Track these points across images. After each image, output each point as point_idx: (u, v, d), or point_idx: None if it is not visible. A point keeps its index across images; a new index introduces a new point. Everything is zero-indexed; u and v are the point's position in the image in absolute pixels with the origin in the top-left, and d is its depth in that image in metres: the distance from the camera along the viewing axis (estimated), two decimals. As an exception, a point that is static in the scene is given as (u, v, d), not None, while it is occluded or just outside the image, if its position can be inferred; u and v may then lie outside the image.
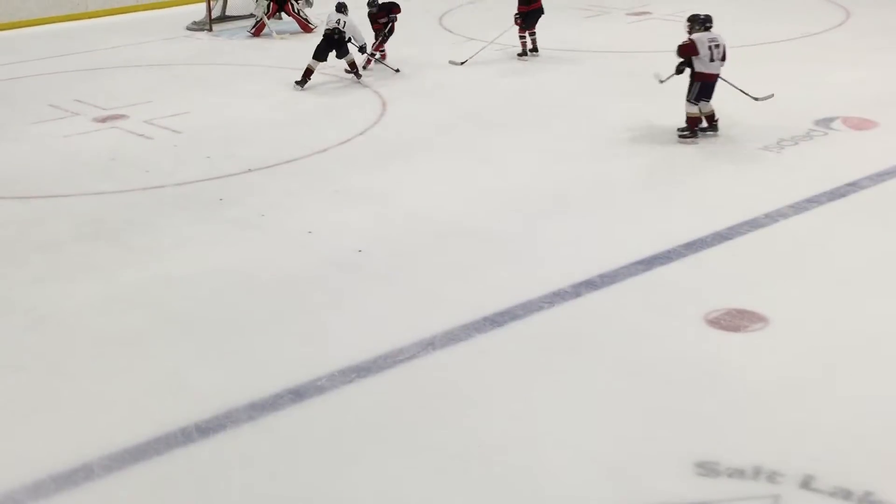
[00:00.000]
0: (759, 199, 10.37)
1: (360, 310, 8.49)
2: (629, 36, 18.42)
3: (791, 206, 10.23)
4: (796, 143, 12.13)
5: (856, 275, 8.83)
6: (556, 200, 10.72)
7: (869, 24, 18.31)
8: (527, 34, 16.73)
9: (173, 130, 13.51)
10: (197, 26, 20.20)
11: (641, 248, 9.35)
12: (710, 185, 11.05)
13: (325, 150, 12.54)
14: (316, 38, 16.20)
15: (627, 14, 20.11)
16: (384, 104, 14.42)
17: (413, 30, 19.13)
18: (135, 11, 21.90)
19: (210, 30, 19.93)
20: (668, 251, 9.32)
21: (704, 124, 12.37)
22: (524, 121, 13.53)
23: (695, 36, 12.07)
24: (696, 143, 12.22)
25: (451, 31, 19.19)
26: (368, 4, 16.38)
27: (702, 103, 12.20)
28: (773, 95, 12.95)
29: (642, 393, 7.15)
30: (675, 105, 12.48)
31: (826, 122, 12.78)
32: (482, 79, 15.79)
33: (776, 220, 9.96)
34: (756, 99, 12.80)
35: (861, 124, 12.73)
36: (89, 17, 21.45)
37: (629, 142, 12.47)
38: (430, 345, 7.82)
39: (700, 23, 12.17)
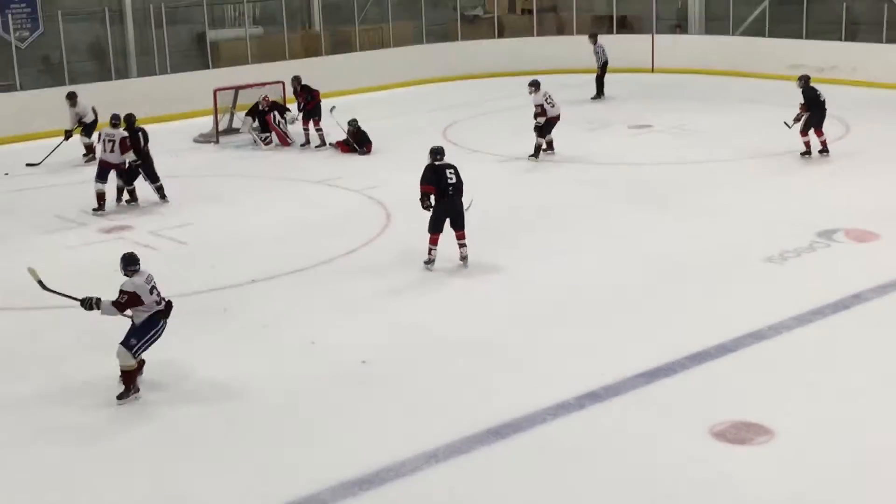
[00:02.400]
0: (763, 312, 10.36)
1: (362, 421, 8.44)
2: (632, 147, 18.61)
3: (795, 318, 10.22)
4: (799, 255, 12.16)
5: (860, 390, 8.77)
6: (559, 311, 10.72)
7: (868, 137, 18.53)
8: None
9: (179, 241, 13.59)
10: (204, 138, 20.47)
11: (646, 360, 9.31)
12: (715, 296, 11.06)
13: (329, 261, 12.59)
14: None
15: (629, 127, 20.36)
16: (388, 215, 14.52)
17: (418, 142, 19.37)
18: (143, 123, 22.15)
19: (217, 142, 20.18)
20: (673, 363, 9.29)
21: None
22: (527, 231, 13.61)
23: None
24: (703, 256, 12.25)
25: (455, 144, 19.41)
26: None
27: None
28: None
29: (651, 501, 7.05)
30: (684, 214, 12.51)
31: (829, 234, 12.83)
32: (489, 188, 15.91)
33: (780, 333, 9.94)
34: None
35: (864, 236, 12.78)
36: (97, 129, 21.70)
37: (634, 252, 12.51)
38: (434, 457, 7.75)
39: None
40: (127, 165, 15.29)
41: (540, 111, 17.39)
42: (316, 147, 19.23)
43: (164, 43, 23.50)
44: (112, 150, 15.12)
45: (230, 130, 20.78)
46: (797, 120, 16.41)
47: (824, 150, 16.90)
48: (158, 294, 9.09)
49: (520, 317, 10.58)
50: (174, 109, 22.65)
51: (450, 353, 9.72)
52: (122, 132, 15.33)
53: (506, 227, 13.83)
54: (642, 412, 8.49)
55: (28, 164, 18.26)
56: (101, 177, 15.21)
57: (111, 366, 9.63)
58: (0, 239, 14.04)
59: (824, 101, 16.66)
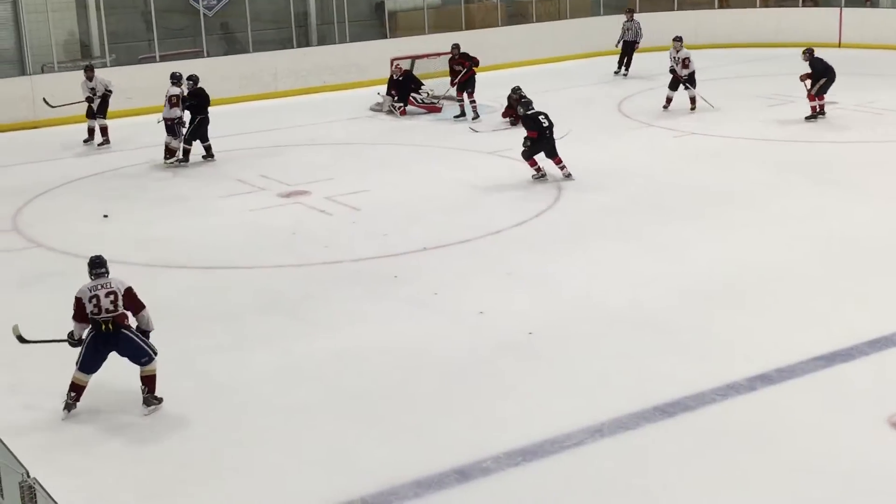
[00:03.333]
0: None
1: (528, 393, 8.44)
2: (815, 125, 18.00)
3: None
4: None
5: None
6: (731, 291, 10.48)
7: None
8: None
9: (353, 207, 13.85)
10: (379, 107, 20.75)
11: (822, 344, 9.02)
12: (897, 281, 10.64)
13: (498, 233, 12.63)
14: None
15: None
16: (559, 189, 14.45)
17: (592, 116, 19.24)
18: (320, 92, 22.68)
19: (391, 111, 20.40)
20: (851, 348, 8.97)
21: None
22: (700, 207, 13.33)
23: None
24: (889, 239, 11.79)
25: (629, 117, 19.17)
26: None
27: None
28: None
29: (819, 493, 6.86)
30: (868, 196, 12.08)
31: None
32: (660, 166, 15.67)
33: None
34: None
35: None
36: (277, 97, 22.32)
37: (813, 234, 12.12)
38: (598, 432, 7.70)
39: None
40: (160, 120, 16.42)
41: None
42: (473, 119, 19.22)
43: (344, 12, 23.90)
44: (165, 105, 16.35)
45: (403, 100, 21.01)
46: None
47: (820, 113, 18.07)
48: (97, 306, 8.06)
49: (690, 294, 10.39)
50: (351, 78, 23.07)
51: (617, 328, 9.63)
52: (174, 89, 16.32)
53: (678, 203, 13.59)
54: (817, 397, 8.23)
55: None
56: (169, 131, 16.45)
57: (287, 324, 9.93)
58: (183, 201, 14.59)
59: (832, 67, 17.91)
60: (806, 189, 14.04)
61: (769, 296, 10.30)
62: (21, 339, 8.44)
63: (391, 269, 11.44)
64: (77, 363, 8.14)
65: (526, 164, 14.82)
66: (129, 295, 8.16)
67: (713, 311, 9.95)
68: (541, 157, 14.77)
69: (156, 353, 8.20)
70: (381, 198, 14.35)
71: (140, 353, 8.13)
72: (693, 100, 19.36)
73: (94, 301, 7.99)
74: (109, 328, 8.02)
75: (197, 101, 16.49)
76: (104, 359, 8.16)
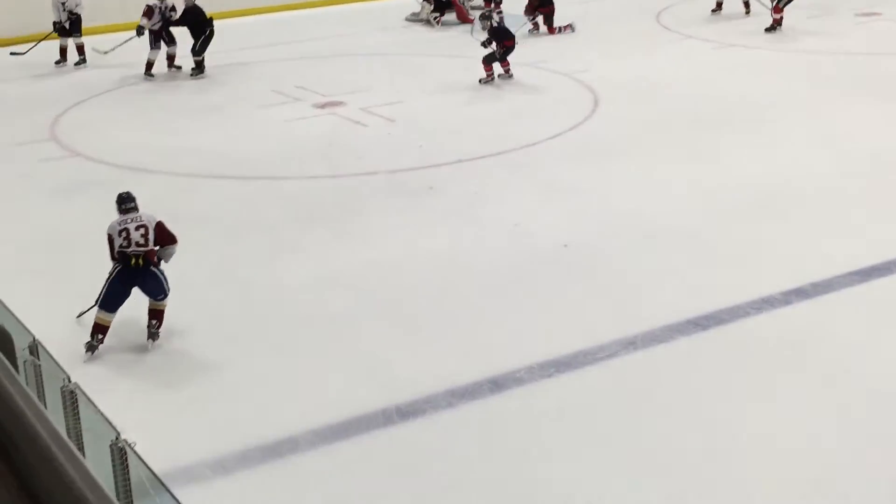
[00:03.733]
0: None
1: (562, 304, 8.47)
2: (857, 36, 17.66)
3: None
4: None
5: None
6: (770, 204, 10.40)
7: None
8: None
9: (388, 119, 13.81)
10: (415, 17, 20.55)
11: (858, 259, 8.98)
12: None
13: (535, 144, 12.57)
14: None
15: (856, 15, 19.28)
16: (596, 100, 14.32)
17: (630, 26, 18.95)
18: (355, 2, 22.46)
19: (428, 21, 20.19)
20: (889, 262, 8.92)
21: None
22: (741, 122, 13.18)
23: None
24: None
25: (668, 29, 18.88)
26: None
27: None
28: None
29: (853, 408, 6.88)
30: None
31: None
32: (700, 76, 15.48)
33: None
34: None
35: None
36: (312, 7, 22.13)
37: (851, 147, 11.98)
38: (632, 344, 7.74)
39: None
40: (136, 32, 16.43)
41: None
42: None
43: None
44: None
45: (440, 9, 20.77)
46: None
47: (778, 25, 17.65)
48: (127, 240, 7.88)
49: (727, 207, 10.33)
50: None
51: (653, 241, 9.61)
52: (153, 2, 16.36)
53: (717, 116, 13.43)
54: (853, 312, 8.21)
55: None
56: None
57: (323, 234, 9.99)
58: (219, 112, 14.60)
59: None
60: (848, 103, 13.82)
61: (808, 210, 10.22)
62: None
63: (427, 180, 11.44)
64: (97, 301, 7.92)
65: (499, 70, 15.35)
66: (161, 228, 8.03)
67: (750, 225, 9.89)
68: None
69: (169, 291, 8.01)
70: (416, 109, 14.29)
71: (159, 290, 7.98)
72: (747, 3, 18.94)
73: (124, 234, 7.86)
74: (139, 263, 7.85)
75: (193, 18, 16.35)
76: (127, 296, 7.94)
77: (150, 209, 8.18)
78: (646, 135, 12.79)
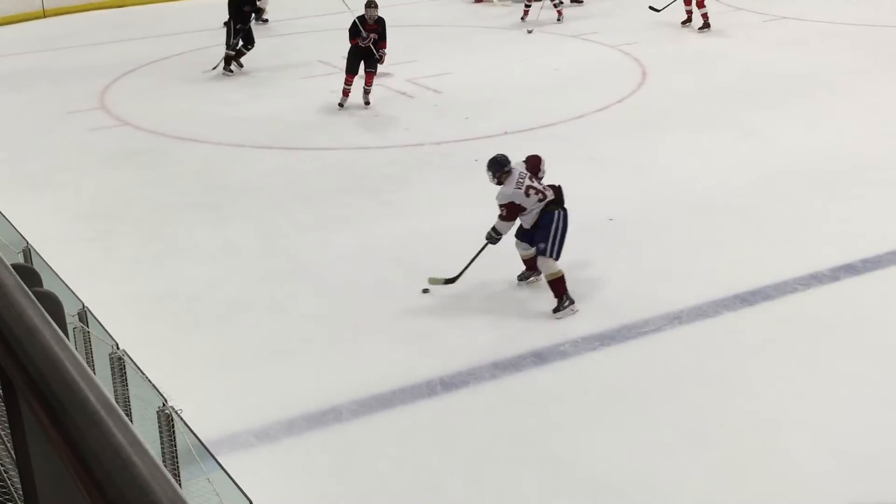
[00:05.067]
0: None
1: (608, 278, 8.44)
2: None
3: None
4: None
5: None
6: (819, 180, 10.28)
7: None
8: None
9: (434, 90, 13.79)
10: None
11: (908, 236, 8.87)
12: None
13: (581, 117, 12.50)
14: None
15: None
16: (644, 73, 14.21)
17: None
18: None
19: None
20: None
21: None
22: (791, 96, 13.02)
23: None
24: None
25: (719, 0, 18.67)
26: None
27: None
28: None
29: (898, 386, 6.82)
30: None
31: None
32: (750, 49, 15.31)
33: None
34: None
35: None
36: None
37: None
38: (677, 318, 7.70)
39: None
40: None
41: None
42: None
43: None
44: None
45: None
46: None
47: (706, 25, 16.37)
48: (537, 189, 7.91)
49: (776, 182, 10.22)
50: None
51: (700, 215, 9.54)
52: None
53: (767, 90, 13.28)
54: (901, 289, 8.13)
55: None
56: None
57: (369, 205, 10.00)
58: (266, 81, 14.65)
59: None
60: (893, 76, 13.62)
61: (857, 186, 10.09)
62: (447, 281, 8.21)
63: (472, 152, 11.39)
64: (555, 249, 7.83)
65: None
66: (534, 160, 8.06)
67: (799, 200, 9.79)
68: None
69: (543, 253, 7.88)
70: (462, 81, 14.25)
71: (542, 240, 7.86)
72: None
73: (531, 190, 7.81)
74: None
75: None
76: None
77: (198, 178, 8.26)
78: (694, 108, 12.67)
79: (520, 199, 7.87)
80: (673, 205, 9.80)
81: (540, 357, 7.26)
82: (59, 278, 5.70)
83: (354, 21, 13.06)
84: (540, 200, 7.90)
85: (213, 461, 4.51)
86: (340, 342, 7.62)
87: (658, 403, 6.73)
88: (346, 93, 13.19)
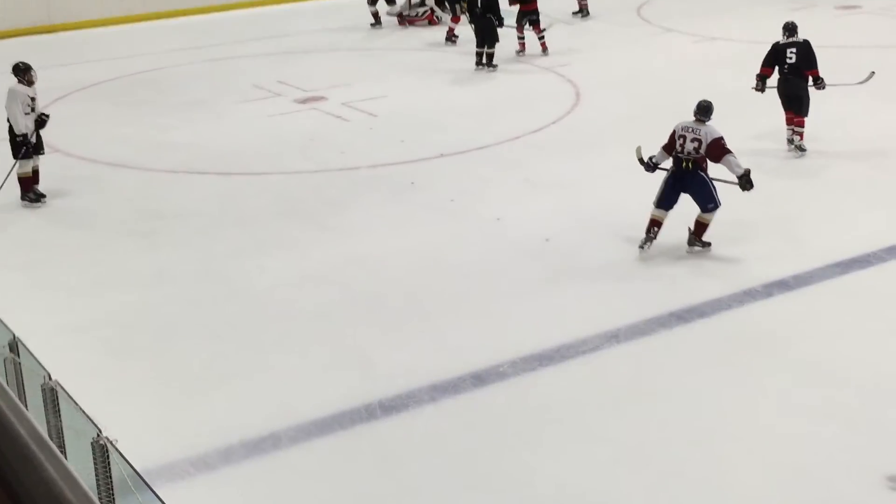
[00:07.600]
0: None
1: (545, 299, 8.49)
2: (838, 28, 17.70)
3: None
4: None
5: None
6: (748, 199, 10.40)
7: None
8: None
9: (369, 113, 13.79)
10: (397, 11, 20.43)
11: (838, 251, 9.03)
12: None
13: (516, 138, 12.57)
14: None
15: (836, 7, 19.33)
16: (578, 94, 14.34)
17: (609, 19, 18.97)
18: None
19: (403, 19, 20.04)
20: (868, 255, 8.97)
21: None
22: (723, 115, 13.13)
23: None
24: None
25: (648, 22, 18.91)
26: None
27: None
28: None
29: (833, 398, 6.91)
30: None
31: None
32: (681, 69, 15.50)
33: None
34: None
35: None
36: (293, 2, 22.05)
37: (839, 139, 12.01)
38: (615, 337, 7.77)
39: None
40: None
41: None
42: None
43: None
44: None
45: (422, 4, 20.68)
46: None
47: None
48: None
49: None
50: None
51: (635, 235, 9.59)
52: None
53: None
54: (832, 304, 8.26)
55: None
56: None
57: (306, 229, 9.96)
58: (200, 106, 14.53)
59: None
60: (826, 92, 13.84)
61: (786, 202, 10.26)
62: (642, 162, 9.39)
63: (408, 175, 11.43)
64: (655, 202, 9.01)
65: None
66: (714, 145, 8.87)
67: (731, 219, 9.90)
68: None
69: (720, 205, 8.91)
70: (397, 104, 14.27)
71: (708, 199, 8.91)
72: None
73: (681, 141, 8.92)
74: (689, 167, 8.86)
75: None
76: (678, 196, 8.98)
77: (132, 205, 8.16)
78: (627, 128, 12.76)
79: (677, 131, 9.06)
80: (609, 225, 9.87)
81: (479, 378, 7.27)
82: (-11, 309, 5.60)
83: None
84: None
85: (150, 492, 4.43)
86: (278, 367, 7.57)
87: (598, 421, 6.77)
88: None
